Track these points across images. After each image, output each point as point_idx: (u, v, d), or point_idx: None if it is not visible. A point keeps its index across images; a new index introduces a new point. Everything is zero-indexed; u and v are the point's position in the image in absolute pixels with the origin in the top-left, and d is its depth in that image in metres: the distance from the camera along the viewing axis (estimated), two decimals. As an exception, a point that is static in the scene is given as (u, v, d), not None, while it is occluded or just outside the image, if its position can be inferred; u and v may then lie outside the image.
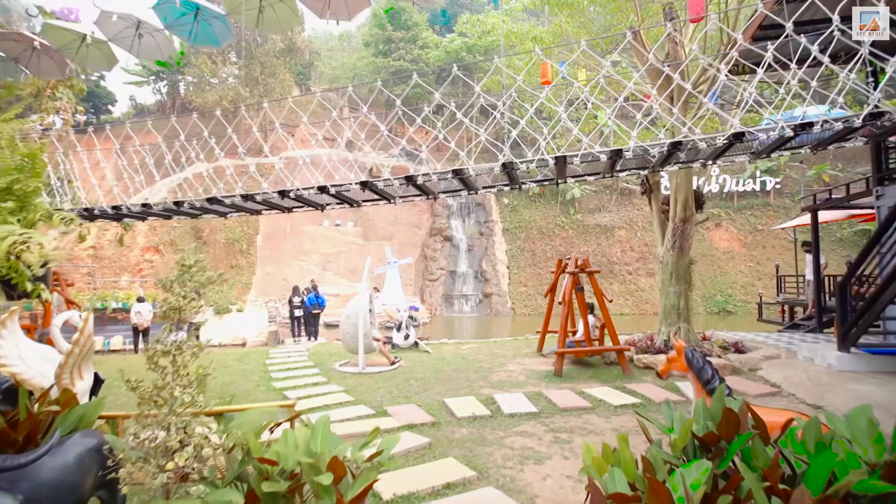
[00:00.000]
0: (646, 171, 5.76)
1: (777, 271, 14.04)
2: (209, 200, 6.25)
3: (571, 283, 8.43)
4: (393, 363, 9.40)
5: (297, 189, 5.60)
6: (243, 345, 22.14)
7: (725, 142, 4.31)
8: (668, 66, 8.96)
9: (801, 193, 32.32)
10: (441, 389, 7.49)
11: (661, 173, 9.89)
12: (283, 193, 5.73)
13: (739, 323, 23.54)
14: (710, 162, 5.36)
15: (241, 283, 27.80)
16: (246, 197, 5.92)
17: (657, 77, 8.82)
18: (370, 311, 10.31)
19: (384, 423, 5.70)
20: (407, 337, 11.52)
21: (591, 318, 9.04)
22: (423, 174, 5.30)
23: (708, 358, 3.83)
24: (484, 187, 6.49)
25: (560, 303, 8.28)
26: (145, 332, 13.65)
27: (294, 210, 7.19)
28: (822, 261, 10.69)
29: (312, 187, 5.65)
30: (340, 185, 5.69)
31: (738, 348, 8.60)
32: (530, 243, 31.56)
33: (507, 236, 32.12)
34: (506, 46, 15.69)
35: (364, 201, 6.73)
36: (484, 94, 6.23)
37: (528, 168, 4.92)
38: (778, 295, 13.57)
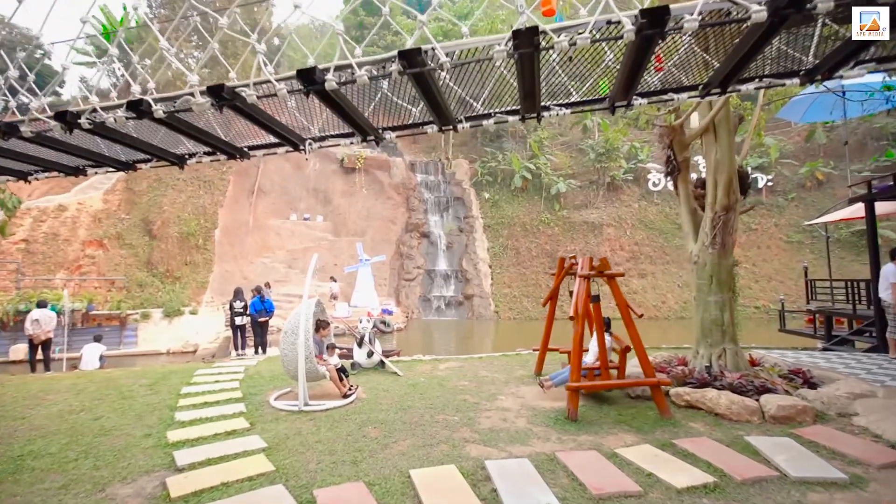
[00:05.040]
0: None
1: (806, 274, 12.11)
2: None
3: (586, 291, 6.21)
4: (347, 395, 7.05)
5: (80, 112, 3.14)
6: (194, 352, 19.62)
7: None
8: None
9: (794, 192, 31.03)
10: (408, 445, 5.18)
11: (694, 151, 7.76)
12: (64, 119, 3.21)
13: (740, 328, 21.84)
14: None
15: (195, 282, 24.95)
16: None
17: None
18: (323, 320, 7.95)
19: (304, 536, 3.38)
20: (371, 354, 9.16)
21: (607, 337, 6.82)
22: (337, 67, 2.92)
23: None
24: (470, 119, 4.08)
25: (571, 317, 6.07)
26: (45, 344, 10.96)
27: (139, 166, 4.59)
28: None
29: (119, 105, 3.16)
30: (174, 99, 3.21)
31: (808, 379, 6.50)
32: (514, 241, 29.43)
33: (488, 233, 29.94)
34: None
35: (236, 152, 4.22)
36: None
37: (572, 43, 2.52)
38: (808, 302, 11.65)
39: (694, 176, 8.32)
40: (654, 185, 30.00)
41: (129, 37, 33.53)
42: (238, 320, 11.65)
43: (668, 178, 7.74)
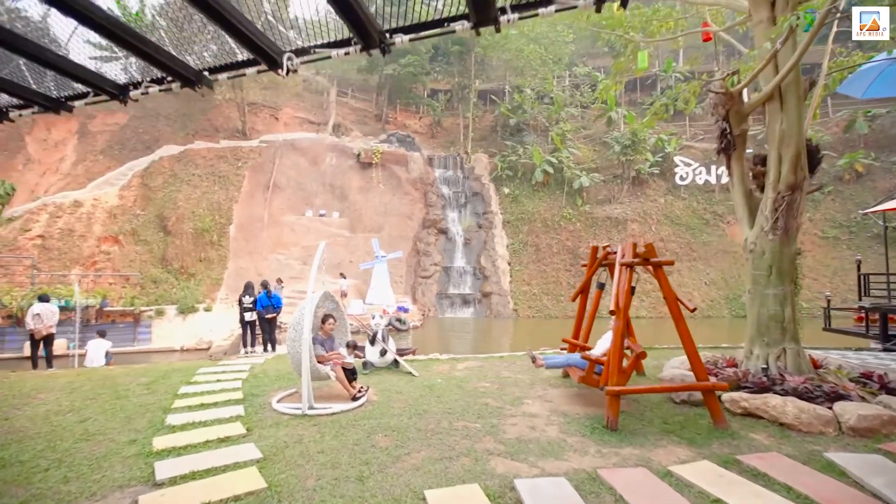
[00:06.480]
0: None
1: (858, 269, 11.05)
2: None
3: (628, 282, 5.42)
4: (356, 397, 6.38)
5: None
6: (208, 349, 19.33)
7: None
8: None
9: (831, 185, 29.46)
10: (422, 458, 4.47)
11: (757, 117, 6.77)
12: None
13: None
14: None
15: (210, 278, 24.69)
16: None
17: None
18: (328, 314, 7.27)
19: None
20: (384, 353, 8.47)
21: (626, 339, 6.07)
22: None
23: None
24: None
25: (611, 312, 5.27)
26: (47, 339, 10.55)
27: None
28: None
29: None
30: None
31: (885, 384, 5.60)
32: (534, 237, 28.52)
33: (508, 229, 29.09)
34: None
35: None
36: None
37: None
38: (860, 299, 10.60)
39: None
40: (682, 178, 28.75)
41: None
42: (247, 316, 11.08)
43: (720, 155, 6.83)
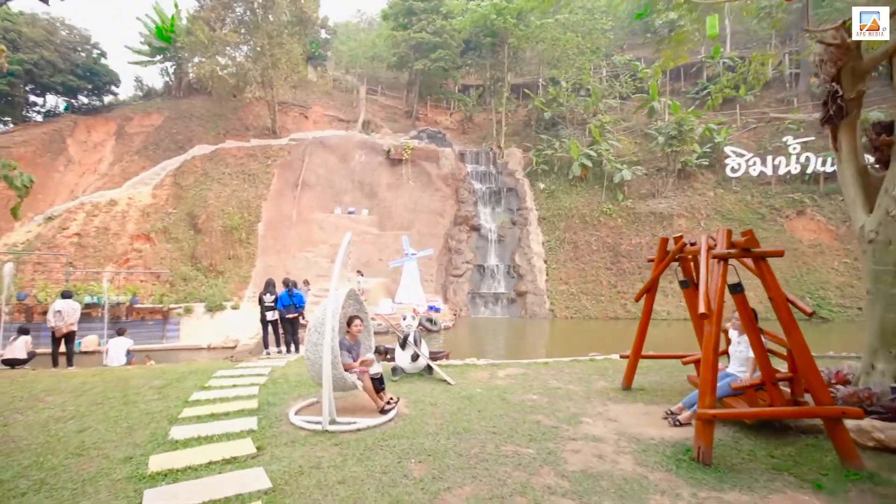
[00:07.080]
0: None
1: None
2: None
3: (722, 277, 4.33)
4: (385, 410, 5.50)
5: None
6: (234, 347, 19.00)
7: None
8: None
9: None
10: (466, 496, 3.53)
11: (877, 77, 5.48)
12: None
13: (843, 333, 18.82)
14: None
15: (238, 276, 24.42)
16: None
17: None
18: (355, 315, 6.40)
19: None
20: (416, 357, 7.56)
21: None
22: None
23: None
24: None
25: (703, 314, 4.19)
26: (68, 337, 10.12)
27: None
28: None
29: None
30: None
31: None
32: (571, 234, 27.13)
33: (543, 226, 27.79)
34: None
35: None
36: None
37: None
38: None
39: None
40: (733, 170, 26.82)
41: (178, 31, 33.98)
42: (268, 315, 10.39)
43: (825, 126, 5.57)
